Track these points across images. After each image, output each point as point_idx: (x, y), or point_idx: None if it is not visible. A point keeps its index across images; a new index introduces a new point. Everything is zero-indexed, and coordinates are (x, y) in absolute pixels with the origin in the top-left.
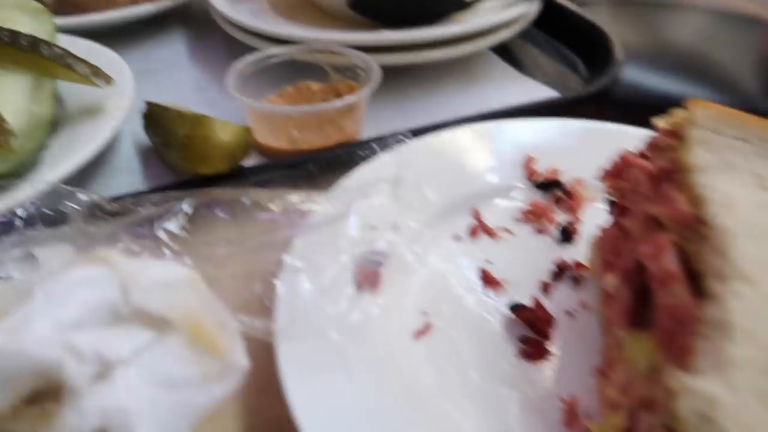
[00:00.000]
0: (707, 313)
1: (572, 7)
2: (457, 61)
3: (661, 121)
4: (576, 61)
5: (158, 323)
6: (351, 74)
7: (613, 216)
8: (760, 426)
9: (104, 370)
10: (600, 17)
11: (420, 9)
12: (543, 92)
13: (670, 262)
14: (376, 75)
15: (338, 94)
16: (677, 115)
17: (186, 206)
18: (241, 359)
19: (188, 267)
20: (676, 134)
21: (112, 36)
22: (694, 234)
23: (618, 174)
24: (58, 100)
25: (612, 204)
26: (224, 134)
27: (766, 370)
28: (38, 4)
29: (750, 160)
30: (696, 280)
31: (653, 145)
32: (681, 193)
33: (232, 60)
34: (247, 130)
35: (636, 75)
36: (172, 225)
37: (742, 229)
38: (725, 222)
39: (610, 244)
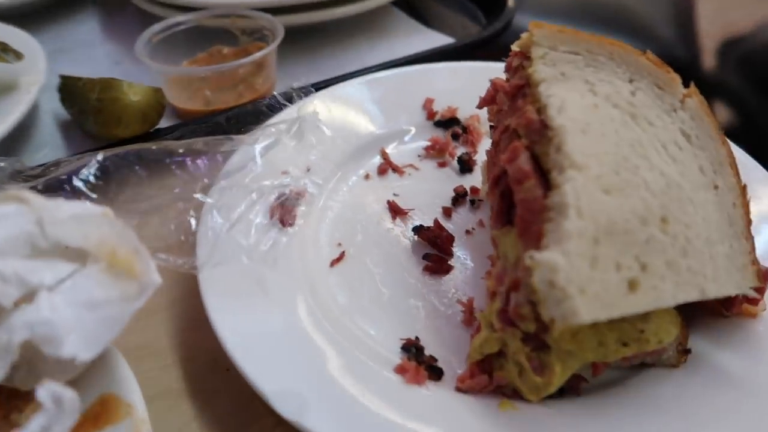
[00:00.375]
0: (551, 200)
1: None
2: (364, 17)
3: (514, 44)
4: (476, 12)
5: (77, 255)
6: (259, 36)
7: (493, 138)
8: (589, 282)
9: (29, 294)
10: None
11: None
12: (444, 41)
13: (523, 163)
14: (280, 33)
15: (249, 56)
16: (523, 36)
17: (100, 156)
18: (154, 278)
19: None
20: (525, 55)
21: (23, 18)
22: (541, 137)
23: (491, 100)
24: None
25: (491, 128)
26: (135, 95)
27: (592, 237)
28: None
29: (581, 70)
30: (546, 176)
31: (509, 66)
32: (530, 104)
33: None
34: (158, 91)
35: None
36: (89, 174)
37: (575, 127)
38: (561, 122)
39: (490, 161)
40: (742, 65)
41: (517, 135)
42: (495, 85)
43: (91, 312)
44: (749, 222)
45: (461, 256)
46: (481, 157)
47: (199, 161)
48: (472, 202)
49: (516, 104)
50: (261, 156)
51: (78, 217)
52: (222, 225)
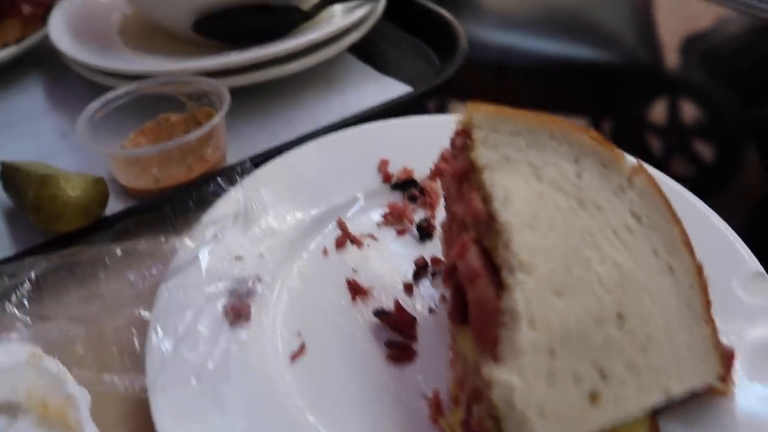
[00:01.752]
0: (504, 303)
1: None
2: (315, 67)
3: (455, 122)
4: (429, 52)
5: (6, 408)
6: (207, 101)
7: (443, 222)
8: (549, 402)
9: None
10: None
11: (262, 26)
12: (399, 89)
13: (473, 260)
14: (226, 98)
15: (198, 122)
16: (463, 116)
17: (32, 274)
18: (89, 429)
19: (31, 343)
20: (467, 134)
21: None
22: (489, 230)
23: (440, 173)
24: None
25: (445, 199)
26: (73, 190)
27: (547, 349)
28: None
29: (524, 152)
30: (498, 273)
31: (453, 145)
32: (476, 192)
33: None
34: (98, 181)
35: (520, 41)
36: (22, 296)
37: (521, 221)
38: (507, 217)
39: (444, 241)
40: (706, 61)
41: (465, 226)
42: (439, 169)
43: None
44: (708, 303)
45: (425, 340)
46: (441, 219)
47: (140, 270)
48: (434, 274)
49: (462, 189)
50: (206, 255)
51: (3, 370)
52: (167, 340)
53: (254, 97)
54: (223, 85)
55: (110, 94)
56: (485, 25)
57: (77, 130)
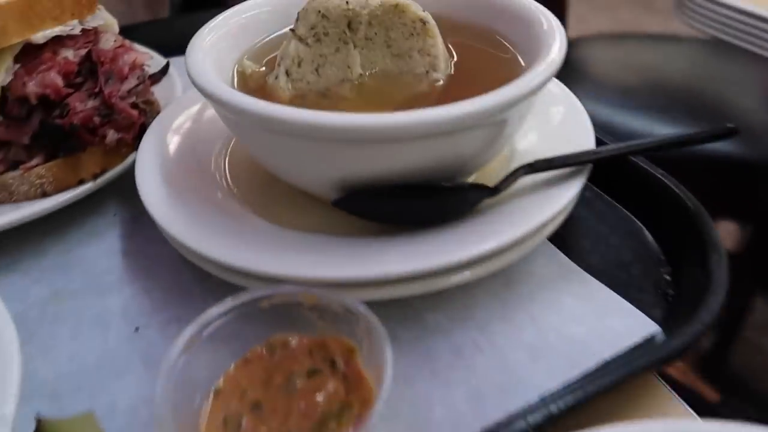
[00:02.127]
0: None
1: (643, 162)
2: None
3: None
4: (635, 224)
5: None
6: (346, 328)
7: None
8: None
9: None
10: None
11: (428, 208)
12: (615, 305)
13: None
14: (381, 344)
15: (330, 357)
16: None
17: None
18: None
19: None
20: None
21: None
22: None
23: None
24: None
25: None
26: None
27: None
28: None
29: None
30: None
31: None
32: None
33: (183, 276)
34: None
35: (642, 125)
36: None
37: None
38: None
39: None
40: None
41: None
42: None
43: None
44: None
45: None
46: None
47: None
48: None
49: None
50: None
51: None
52: None
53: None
54: (377, 321)
55: (210, 314)
56: (602, 103)
57: (159, 375)
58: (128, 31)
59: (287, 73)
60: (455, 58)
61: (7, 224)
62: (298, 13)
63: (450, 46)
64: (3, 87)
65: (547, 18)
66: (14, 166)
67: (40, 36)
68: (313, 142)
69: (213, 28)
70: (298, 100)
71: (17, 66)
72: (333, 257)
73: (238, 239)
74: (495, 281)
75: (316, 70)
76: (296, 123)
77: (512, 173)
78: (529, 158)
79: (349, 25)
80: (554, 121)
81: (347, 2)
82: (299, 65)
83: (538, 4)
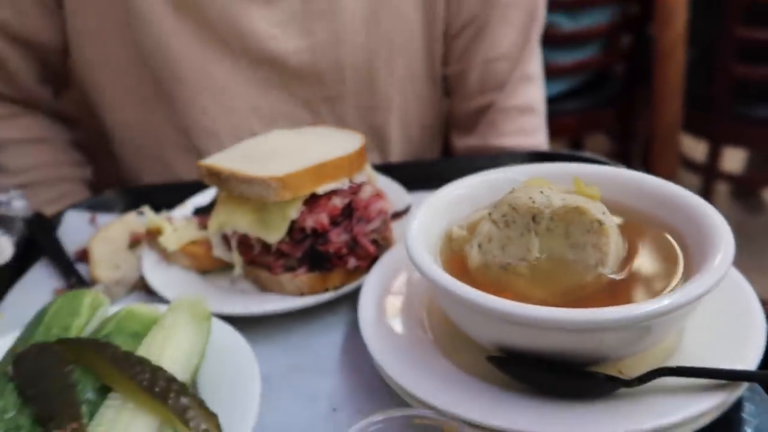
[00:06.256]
0: None
1: None
2: None
3: None
4: None
5: None
6: None
7: None
8: None
9: None
10: None
11: (569, 384)
12: None
13: None
14: None
15: None
16: None
17: None
18: None
19: None
20: None
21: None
22: None
23: None
24: None
25: None
26: None
27: None
28: (209, 312)
29: None
30: None
31: None
32: None
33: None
34: None
35: None
36: None
37: None
38: None
39: None
40: None
41: None
42: None
43: None
44: None
45: None
46: None
47: None
48: None
49: None
50: None
51: None
52: None
53: None
54: None
55: (377, 417)
56: None
57: None
58: (386, 169)
59: (479, 246)
60: (625, 253)
61: (279, 310)
62: (495, 203)
63: (622, 235)
64: (293, 220)
65: (715, 217)
66: (287, 270)
67: (321, 189)
68: (481, 315)
69: (431, 202)
70: (483, 268)
71: (303, 207)
72: (482, 403)
73: (422, 373)
74: None
75: (502, 248)
76: (473, 301)
77: (652, 372)
78: (681, 359)
79: (533, 218)
80: (723, 320)
81: (533, 201)
82: (489, 241)
83: (709, 206)
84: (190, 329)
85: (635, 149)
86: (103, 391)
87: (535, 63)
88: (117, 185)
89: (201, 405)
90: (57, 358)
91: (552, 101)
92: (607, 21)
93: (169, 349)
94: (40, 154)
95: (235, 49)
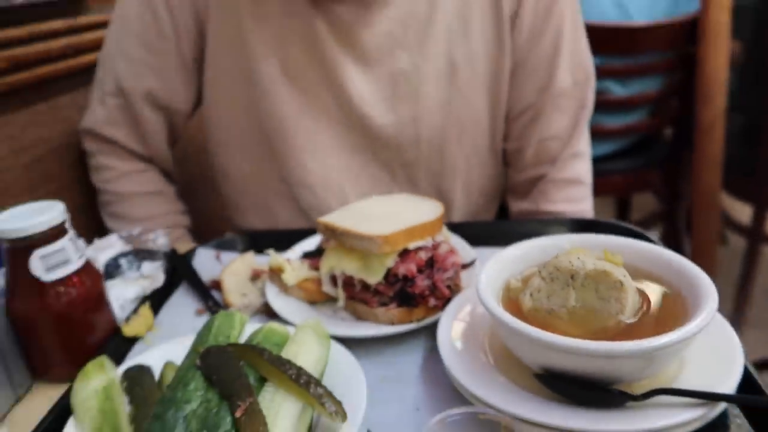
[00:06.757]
0: None
1: None
2: None
3: None
4: None
5: None
6: None
7: None
8: None
9: None
10: None
11: (593, 396)
12: None
13: None
14: None
15: None
16: None
17: None
18: None
19: None
20: None
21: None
22: None
23: None
24: (312, 424)
25: None
26: None
27: None
28: (327, 333)
29: None
30: None
31: None
32: None
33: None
34: None
35: None
36: None
37: None
38: None
39: None
40: None
41: None
42: None
43: None
44: None
45: None
46: None
47: None
48: None
49: None
50: None
51: None
52: None
53: None
54: None
55: (448, 413)
56: None
57: None
58: (452, 227)
59: (531, 295)
60: (640, 305)
61: (375, 335)
62: (544, 263)
63: (638, 291)
64: (389, 267)
65: (706, 280)
66: (381, 305)
67: (411, 245)
68: (531, 343)
69: (496, 259)
70: (533, 311)
71: (398, 258)
72: (529, 406)
73: (484, 383)
74: None
75: (548, 297)
76: (526, 333)
77: (652, 391)
78: (679, 384)
79: (572, 276)
80: (714, 356)
81: (572, 264)
82: (538, 292)
83: (702, 271)
84: (315, 343)
85: (681, 210)
86: (261, 382)
87: (583, 142)
88: (217, 227)
89: (331, 394)
90: (230, 356)
91: (602, 160)
92: (656, 88)
93: (302, 357)
94: (157, 205)
95: (335, 118)
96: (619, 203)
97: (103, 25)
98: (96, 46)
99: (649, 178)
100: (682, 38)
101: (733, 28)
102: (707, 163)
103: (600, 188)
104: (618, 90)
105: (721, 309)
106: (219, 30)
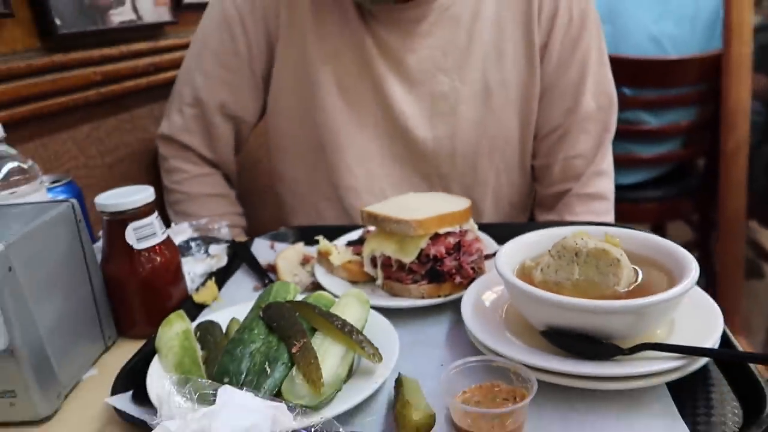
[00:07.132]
0: None
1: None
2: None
3: None
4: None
5: None
6: (529, 384)
7: None
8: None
9: None
10: None
11: (591, 348)
12: None
13: None
14: (533, 390)
15: (514, 397)
16: None
17: None
18: None
19: None
20: None
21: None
22: None
23: None
24: (353, 365)
25: None
26: (416, 414)
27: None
28: (367, 298)
29: None
30: None
31: None
32: None
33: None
34: (431, 417)
35: None
36: None
37: None
38: None
39: None
40: None
41: None
42: None
43: None
44: None
45: None
46: None
47: None
48: None
49: None
50: None
51: None
52: None
53: (562, 396)
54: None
55: (468, 359)
56: None
57: (440, 381)
58: (481, 227)
59: (541, 270)
60: (633, 279)
61: (408, 306)
62: (554, 244)
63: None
64: (422, 249)
65: (690, 258)
66: (413, 282)
67: (441, 230)
68: (538, 303)
69: (513, 242)
70: (543, 284)
71: (429, 241)
72: (536, 355)
73: (498, 339)
74: (611, 408)
75: (555, 271)
76: (534, 294)
77: (639, 345)
78: (665, 338)
79: (576, 254)
80: (699, 320)
81: (576, 243)
82: (548, 267)
83: (687, 252)
84: (357, 305)
85: (713, 238)
86: (312, 331)
87: (606, 161)
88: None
89: (369, 341)
90: (288, 309)
91: (635, 188)
92: (688, 119)
93: (346, 314)
94: (220, 206)
95: (380, 129)
96: (655, 231)
97: (177, 47)
98: (172, 65)
99: (682, 206)
100: (713, 71)
101: (759, 63)
102: (732, 189)
103: (634, 215)
104: (651, 120)
105: (754, 340)
106: (286, 48)
